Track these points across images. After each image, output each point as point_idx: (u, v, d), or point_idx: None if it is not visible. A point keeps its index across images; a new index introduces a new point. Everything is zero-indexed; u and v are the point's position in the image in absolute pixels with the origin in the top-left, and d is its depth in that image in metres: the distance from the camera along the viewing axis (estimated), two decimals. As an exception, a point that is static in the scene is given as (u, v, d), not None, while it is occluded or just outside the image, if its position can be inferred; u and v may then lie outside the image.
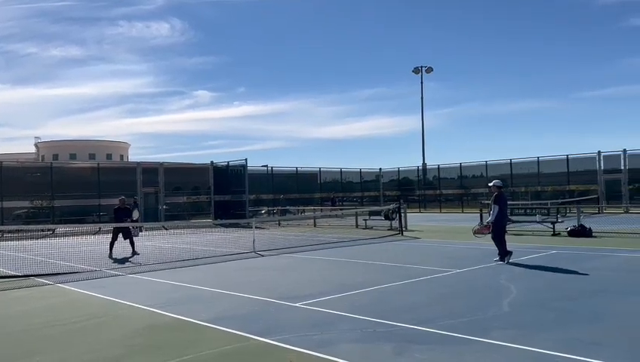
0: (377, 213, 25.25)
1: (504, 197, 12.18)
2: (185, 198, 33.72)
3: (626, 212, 28.98)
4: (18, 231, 21.07)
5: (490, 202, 12.20)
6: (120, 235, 14.88)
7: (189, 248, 16.23)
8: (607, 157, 33.48)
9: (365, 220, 24.28)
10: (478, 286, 8.90)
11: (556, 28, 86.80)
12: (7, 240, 20.39)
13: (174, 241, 19.06)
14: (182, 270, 11.79)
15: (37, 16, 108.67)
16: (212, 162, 33.61)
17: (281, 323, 6.60)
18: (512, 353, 5.18)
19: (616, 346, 5.30)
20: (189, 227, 25.19)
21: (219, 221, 27.33)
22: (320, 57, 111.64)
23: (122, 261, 13.56)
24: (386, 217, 23.65)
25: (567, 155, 34.69)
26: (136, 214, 17.18)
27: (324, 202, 39.59)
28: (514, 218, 21.07)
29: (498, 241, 11.52)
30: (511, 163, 37.37)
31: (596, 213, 27.51)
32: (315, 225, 26.43)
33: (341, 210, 30.05)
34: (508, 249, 11.42)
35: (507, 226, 12.64)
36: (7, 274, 11.23)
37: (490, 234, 11.91)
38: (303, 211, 32.87)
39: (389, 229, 21.15)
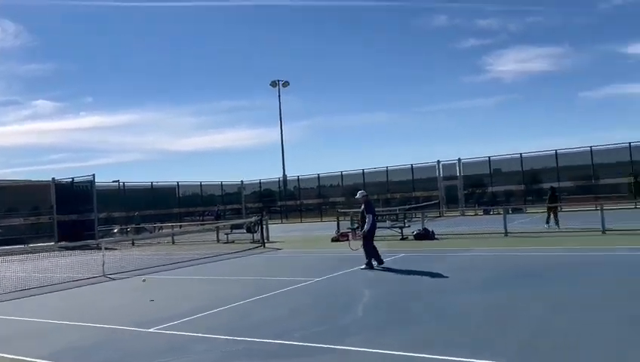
0: (239, 226, 25.02)
1: (372, 204, 12.77)
2: (22, 220, 30.12)
3: (462, 214, 32.41)
4: None
5: (360, 212, 12.40)
6: None
7: (26, 276, 14.49)
8: (446, 166, 37.23)
9: (227, 234, 23.90)
10: (335, 293, 9.21)
11: (404, 45, 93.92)
12: None
13: (8, 269, 16.87)
14: (17, 301, 10.45)
15: None
16: (54, 179, 30.52)
17: (131, 351, 6.16)
18: (364, 357, 5.41)
19: (460, 342, 5.78)
20: (26, 252, 22.49)
21: (64, 243, 24.87)
22: (175, 66, 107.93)
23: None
24: (248, 230, 23.52)
25: (412, 164, 37.87)
26: None
27: (207, 215, 38.21)
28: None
29: (371, 248, 11.87)
30: (363, 172, 39.70)
31: (438, 217, 30.28)
32: (173, 243, 25.35)
33: (217, 224, 28.59)
34: (364, 256, 11.87)
35: (358, 234, 13.12)
36: None
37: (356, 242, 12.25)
38: (161, 228, 31.38)
39: (251, 242, 21.06)
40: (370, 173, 39.67)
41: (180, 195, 40.80)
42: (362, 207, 12.32)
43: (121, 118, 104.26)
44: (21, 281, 13.35)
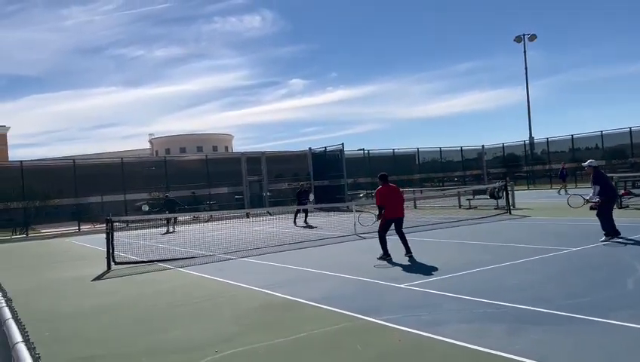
0: (482, 192, 24.32)
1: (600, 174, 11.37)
2: (286, 185, 34.82)
3: None
4: (140, 221, 23.03)
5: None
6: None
7: (292, 232, 16.77)
8: None
9: (469, 200, 23.51)
10: (597, 265, 8.31)
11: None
12: (132, 229, 22.38)
13: (278, 226, 19.79)
14: (288, 253, 12.24)
15: (140, 20, 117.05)
16: (310, 148, 34.29)
17: (387, 303, 6.64)
18: (634, 333, 4.80)
19: None
20: (291, 212, 25.96)
21: (319, 205, 27.89)
22: (409, 35, 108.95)
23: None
24: (492, 196, 22.73)
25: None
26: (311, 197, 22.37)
27: (556, 174, 36.00)
28: (636, 191, 19.33)
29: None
30: (631, 131, 34.11)
31: None
32: (415, 207, 26.07)
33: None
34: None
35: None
36: (134, 260, 12.37)
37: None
38: (403, 193, 32.51)
39: (495, 208, 20.33)
40: (639, 131, 33.85)
41: (420, 162, 41.42)
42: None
43: (362, 90, 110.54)
44: (288, 236, 15.53)
